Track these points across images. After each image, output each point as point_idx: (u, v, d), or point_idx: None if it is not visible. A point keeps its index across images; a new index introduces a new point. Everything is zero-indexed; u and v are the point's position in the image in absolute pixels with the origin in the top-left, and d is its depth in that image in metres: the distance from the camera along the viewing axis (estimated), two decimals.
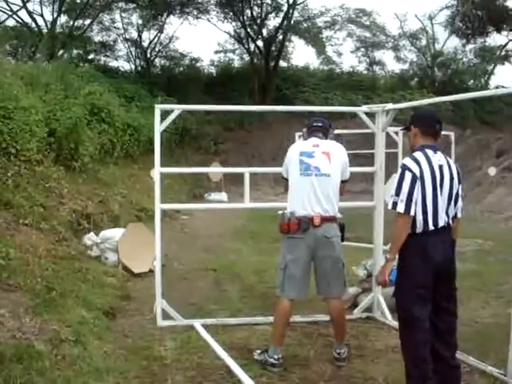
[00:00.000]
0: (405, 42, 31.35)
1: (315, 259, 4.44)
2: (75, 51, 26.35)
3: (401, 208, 3.61)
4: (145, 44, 28.56)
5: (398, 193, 3.64)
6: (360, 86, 28.06)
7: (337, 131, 11.11)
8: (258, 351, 4.55)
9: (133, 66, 28.76)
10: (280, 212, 4.58)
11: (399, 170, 3.71)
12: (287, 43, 29.41)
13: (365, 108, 5.96)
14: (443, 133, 11.84)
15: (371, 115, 5.85)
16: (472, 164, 19.85)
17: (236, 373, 4.19)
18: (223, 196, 17.66)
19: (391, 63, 41.29)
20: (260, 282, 7.19)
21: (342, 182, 4.61)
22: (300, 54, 38.48)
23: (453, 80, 29.74)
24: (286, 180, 4.64)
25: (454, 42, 31.27)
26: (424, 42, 31.21)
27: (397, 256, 3.75)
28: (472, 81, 31.03)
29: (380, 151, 5.77)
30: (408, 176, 3.63)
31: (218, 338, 4.99)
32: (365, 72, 31.96)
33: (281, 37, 28.15)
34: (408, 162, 3.69)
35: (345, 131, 12.41)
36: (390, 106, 5.72)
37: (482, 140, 22.55)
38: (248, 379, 4.04)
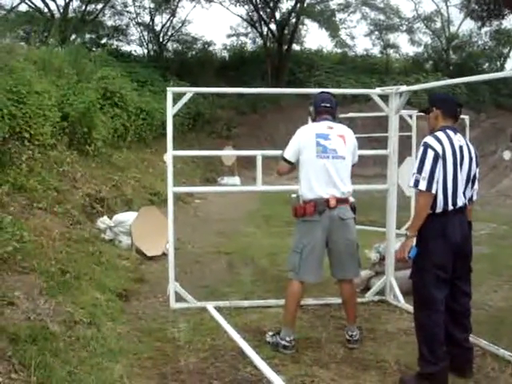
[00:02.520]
0: (419, 24, 31.00)
1: (330, 241, 4.43)
2: (88, 36, 26.31)
3: (423, 186, 3.61)
4: (157, 28, 28.54)
5: (419, 171, 3.64)
6: (374, 70, 27.89)
7: (350, 114, 11.17)
8: (271, 333, 4.57)
9: (145, 51, 28.76)
10: (294, 195, 4.56)
11: (421, 148, 3.71)
12: (300, 26, 29.24)
13: (378, 90, 5.90)
14: None
15: (385, 98, 5.80)
16: (487, 148, 19.70)
17: (248, 354, 4.21)
18: (236, 180, 17.65)
19: (405, 46, 41.09)
20: (273, 265, 7.20)
21: (352, 165, 4.60)
22: (313, 38, 38.33)
23: (468, 63, 29.37)
24: (288, 162, 4.47)
25: (469, 25, 30.67)
26: (439, 24, 30.82)
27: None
28: (487, 64, 30.65)
29: (393, 134, 5.72)
30: (430, 154, 3.63)
31: (230, 320, 5.01)
32: (379, 55, 31.68)
33: (294, 20, 27.95)
34: (430, 140, 3.70)
35: (358, 114, 12.38)
36: (404, 88, 5.65)
37: (497, 124, 22.35)
38: (260, 361, 4.05)
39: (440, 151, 3.63)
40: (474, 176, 3.85)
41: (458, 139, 3.76)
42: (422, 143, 3.75)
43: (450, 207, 3.67)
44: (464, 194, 3.76)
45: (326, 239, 4.43)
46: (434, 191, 3.61)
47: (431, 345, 3.70)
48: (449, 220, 3.68)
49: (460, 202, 3.71)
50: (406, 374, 3.90)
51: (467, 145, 3.81)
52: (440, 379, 3.68)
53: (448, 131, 3.75)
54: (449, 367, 3.72)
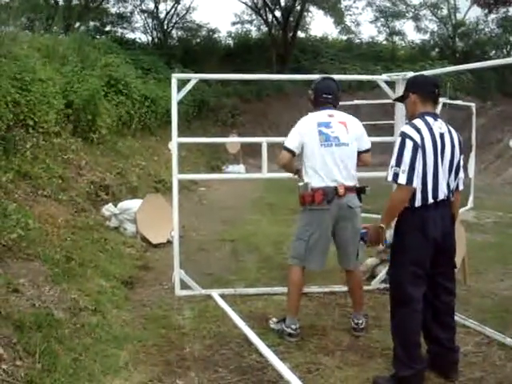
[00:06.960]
0: (425, 11, 30.79)
1: (337, 229, 4.41)
2: (92, 23, 26.23)
3: (403, 179, 3.38)
4: (161, 15, 28.41)
5: (398, 163, 3.40)
6: (379, 57, 27.74)
7: (356, 102, 11.10)
8: (275, 320, 4.57)
9: (150, 38, 28.68)
10: (301, 183, 4.47)
11: (398, 139, 3.48)
12: (305, 13, 29.08)
13: (385, 76, 5.84)
14: (465, 103, 11.67)
15: (391, 84, 5.75)
16: (493, 136, 19.56)
17: (253, 341, 4.20)
18: (241, 168, 17.59)
19: (411, 33, 40.67)
20: (278, 252, 7.19)
21: (365, 151, 4.55)
22: (318, 25, 38.04)
23: (474, 51, 29.17)
24: (289, 151, 4.38)
25: (476, 12, 30.40)
26: (445, 11, 30.56)
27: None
28: (494, 51, 30.43)
29: (399, 121, 5.66)
30: (409, 144, 3.39)
31: (235, 307, 5.01)
32: (384, 42, 31.52)
33: (299, 7, 27.78)
34: (408, 129, 3.47)
35: (364, 102, 12.30)
36: (411, 74, 5.59)
37: (504, 112, 22.15)
38: (265, 348, 4.05)
39: (419, 141, 3.40)
40: (458, 164, 3.61)
41: (439, 126, 3.53)
42: (399, 133, 3.53)
43: (431, 200, 3.46)
44: (448, 185, 3.55)
45: (332, 227, 4.40)
46: (415, 185, 3.39)
47: (407, 346, 3.52)
48: (429, 214, 3.48)
49: (442, 194, 3.50)
50: (379, 376, 3.69)
51: (449, 131, 3.57)
52: (415, 383, 3.52)
53: (427, 118, 3.52)
54: (425, 369, 3.58)
